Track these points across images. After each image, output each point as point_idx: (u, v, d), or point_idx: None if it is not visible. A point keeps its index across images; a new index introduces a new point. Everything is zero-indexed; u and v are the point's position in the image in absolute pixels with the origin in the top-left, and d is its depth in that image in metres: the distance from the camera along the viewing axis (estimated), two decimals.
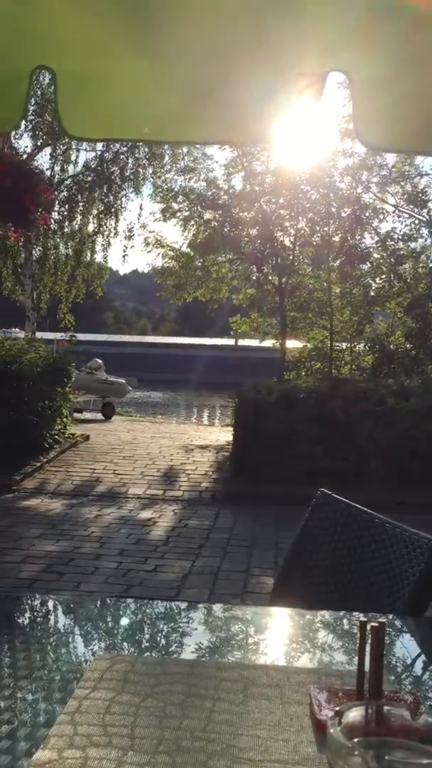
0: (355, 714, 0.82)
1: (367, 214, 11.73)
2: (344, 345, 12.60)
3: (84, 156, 13.63)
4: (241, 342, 27.01)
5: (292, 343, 12.97)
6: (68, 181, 13.62)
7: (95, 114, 1.60)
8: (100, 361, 14.46)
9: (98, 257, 14.46)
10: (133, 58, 1.49)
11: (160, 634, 1.43)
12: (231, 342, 30.47)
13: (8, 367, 7.73)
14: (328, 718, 0.81)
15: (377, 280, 12.35)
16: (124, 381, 14.55)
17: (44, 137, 12.43)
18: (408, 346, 11.96)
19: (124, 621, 1.50)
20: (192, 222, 12.19)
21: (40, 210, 7.89)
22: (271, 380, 9.67)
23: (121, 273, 41.33)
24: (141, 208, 19.93)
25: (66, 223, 13.80)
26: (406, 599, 1.64)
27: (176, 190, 12.30)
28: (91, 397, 13.83)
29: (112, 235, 13.90)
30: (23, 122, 11.57)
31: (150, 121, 1.59)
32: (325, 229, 11.64)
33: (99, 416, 13.37)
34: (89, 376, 13.45)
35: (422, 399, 7.51)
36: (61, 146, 13.00)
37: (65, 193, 13.62)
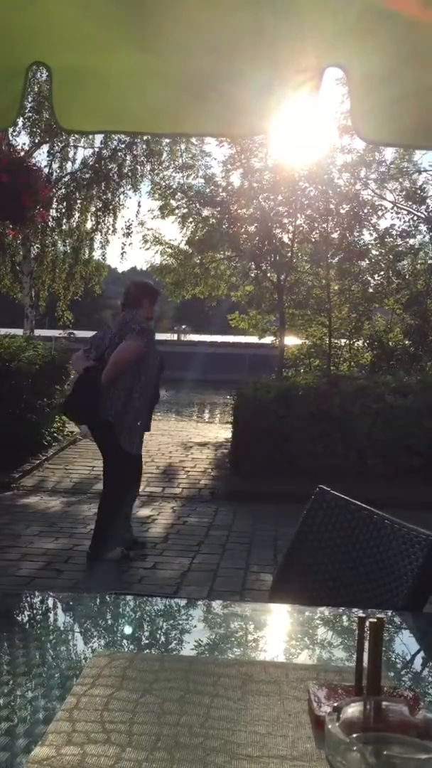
0: (353, 710, 0.83)
1: (365, 210, 11.71)
2: (343, 342, 12.60)
3: (82, 153, 13.67)
4: (240, 339, 27.00)
5: (291, 340, 12.97)
6: (66, 179, 13.59)
7: (91, 108, 1.59)
8: None
9: (96, 254, 14.45)
10: (130, 53, 1.48)
11: (159, 631, 1.43)
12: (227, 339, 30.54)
13: (7, 365, 7.72)
14: (326, 714, 0.81)
15: (376, 276, 12.33)
16: None
17: (42, 134, 12.40)
18: (407, 342, 11.95)
19: (123, 618, 1.50)
20: (190, 219, 12.17)
21: (38, 207, 7.89)
22: (270, 377, 9.67)
23: (120, 270, 41.23)
24: (139, 206, 19.95)
25: (64, 221, 13.77)
26: (404, 595, 1.65)
27: (174, 187, 12.28)
28: None
29: (110, 232, 13.88)
30: (21, 119, 11.54)
31: (146, 116, 1.58)
32: (324, 225, 11.62)
33: None
34: None
35: (421, 396, 7.51)
36: (59, 143, 12.97)
37: (63, 190, 13.59)
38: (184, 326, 37.99)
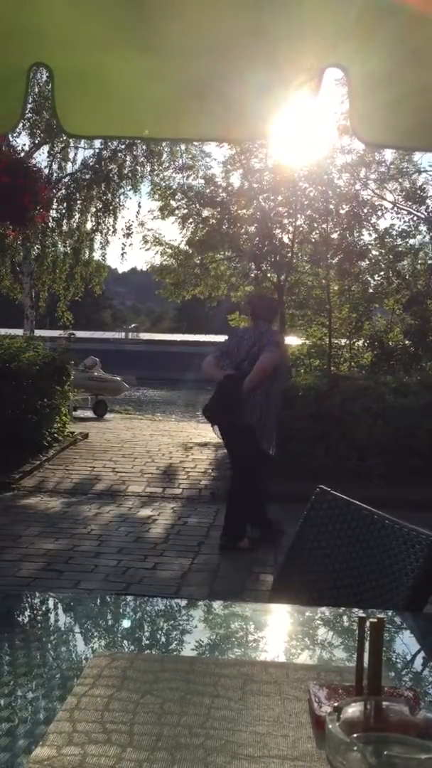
0: (353, 709, 0.83)
1: (365, 210, 11.71)
2: (343, 342, 12.59)
3: (82, 154, 13.66)
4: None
5: (291, 341, 12.95)
6: (66, 179, 13.59)
7: (92, 111, 1.59)
8: (96, 359, 14.42)
9: (97, 255, 14.45)
10: (130, 54, 1.48)
11: (159, 632, 1.43)
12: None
13: (7, 366, 7.72)
14: (326, 714, 0.81)
15: (376, 277, 12.33)
16: (119, 379, 14.48)
17: (42, 135, 12.40)
18: (407, 343, 11.94)
19: (124, 618, 1.50)
20: (190, 219, 12.17)
21: (38, 208, 7.89)
22: None
23: (120, 271, 41.30)
24: (139, 206, 19.80)
25: (64, 221, 13.77)
26: (405, 595, 1.65)
27: (174, 187, 12.28)
28: (89, 395, 13.79)
29: (110, 233, 13.88)
30: (21, 120, 11.53)
31: (147, 118, 1.58)
32: (324, 226, 11.61)
33: (91, 414, 13.29)
34: (83, 374, 13.39)
35: (421, 396, 7.51)
36: (59, 144, 12.98)
37: (63, 191, 13.59)
38: (134, 325, 37.95)
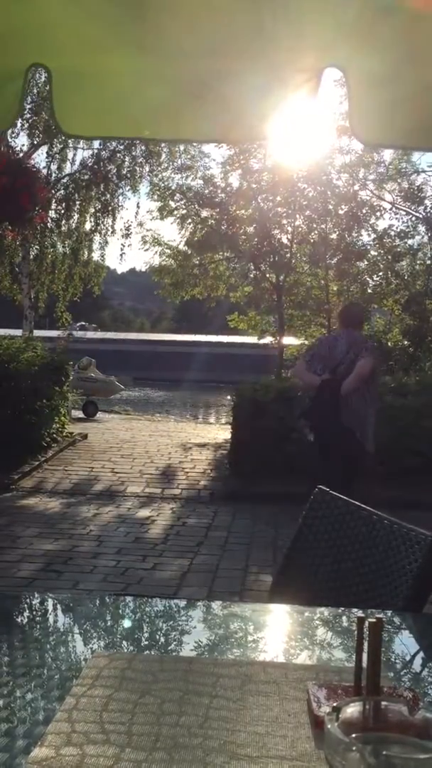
0: (352, 710, 0.82)
1: (364, 211, 11.72)
2: None
3: (81, 154, 13.59)
4: (239, 339, 27.15)
5: (290, 341, 12.96)
6: (65, 180, 13.57)
7: (91, 111, 1.59)
8: (92, 359, 14.39)
9: (95, 256, 14.42)
10: (128, 54, 1.48)
11: (158, 632, 1.43)
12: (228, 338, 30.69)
13: (6, 366, 7.72)
14: (325, 714, 0.81)
15: (374, 277, 12.35)
16: (112, 379, 14.42)
17: (40, 135, 12.38)
18: (405, 343, 11.96)
19: (123, 619, 1.50)
20: (189, 220, 12.19)
21: (37, 208, 7.88)
22: (269, 378, 9.67)
23: (119, 272, 41.37)
24: (138, 207, 19.75)
25: (63, 222, 13.74)
26: (404, 595, 1.64)
27: (173, 188, 12.30)
28: (83, 396, 13.75)
29: (109, 233, 13.86)
30: (20, 120, 11.53)
31: (146, 119, 1.58)
32: (323, 226, 11.63)
33: (81, 414, 13.22)
34: (76, 374, 13.32)
35: (420, 396, 7.51)
36: (58, 144, 12.96)
37: (62, 191, 13.58)
38: (80, 324, 37.05)
